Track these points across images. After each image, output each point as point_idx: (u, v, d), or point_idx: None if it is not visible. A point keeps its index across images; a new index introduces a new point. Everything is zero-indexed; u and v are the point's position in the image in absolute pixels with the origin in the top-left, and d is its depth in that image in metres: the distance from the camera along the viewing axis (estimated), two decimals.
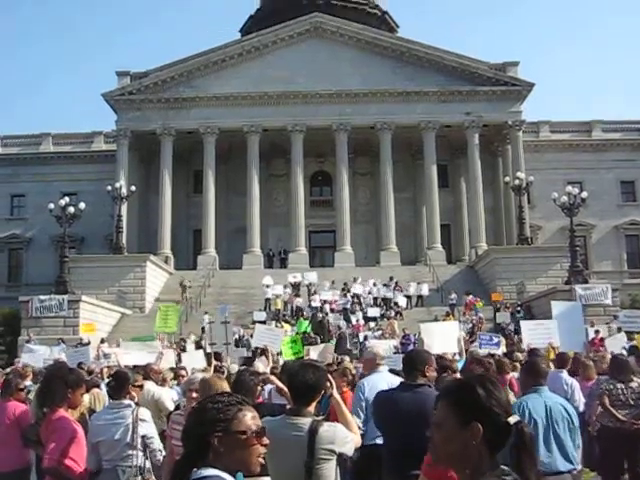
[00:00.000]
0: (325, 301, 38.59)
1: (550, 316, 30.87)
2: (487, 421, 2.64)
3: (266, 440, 3.05)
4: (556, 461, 6.36)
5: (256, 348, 24.99)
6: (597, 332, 27.12)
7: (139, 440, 6.91)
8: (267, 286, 40.64)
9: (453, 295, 39.77)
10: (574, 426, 6.60)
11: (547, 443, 6.29)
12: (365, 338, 32.19)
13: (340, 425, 5.08)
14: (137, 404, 7.33)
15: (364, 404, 7.88)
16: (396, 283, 41.44)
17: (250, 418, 3.03)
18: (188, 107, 52.92)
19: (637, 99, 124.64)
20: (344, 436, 4.95)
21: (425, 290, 41.31)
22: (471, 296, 38.58)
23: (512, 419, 2.69)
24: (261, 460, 3.04)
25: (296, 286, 41.62)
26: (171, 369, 14.57)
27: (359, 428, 6.67)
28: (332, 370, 10.77)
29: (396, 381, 7.95)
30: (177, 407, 8.03)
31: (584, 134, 59.74)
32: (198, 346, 27.99)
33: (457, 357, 13.76)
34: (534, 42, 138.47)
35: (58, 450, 6.49)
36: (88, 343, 30.68)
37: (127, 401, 7.11)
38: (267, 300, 40.05)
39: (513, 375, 11.70)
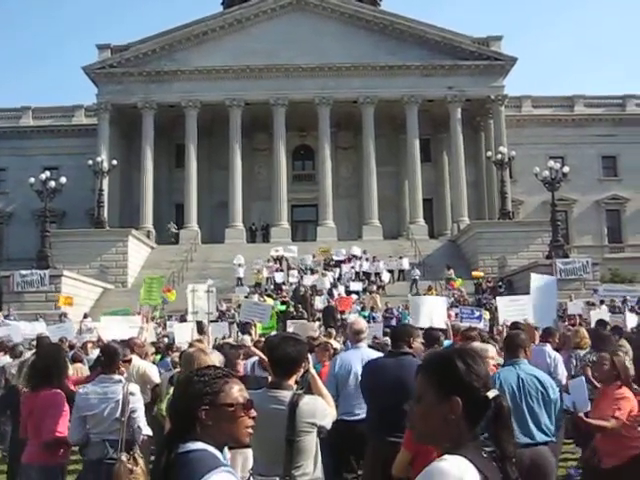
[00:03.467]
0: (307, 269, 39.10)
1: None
2: (466, 395, 2.62)
3: (254, 412, 3.06)
4: (530, 432, 6.40)
5: (241, 322, 25.08)
6: (565, 311, 26.95)
7: (128, 415, 6.95)
8: (239, 265, 40.62)
9: (416, 271, 39.84)
10: (549, 399, 6.60)
11: (518, 415, 6.30)
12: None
13: (320, 398, 5.12)
14: (126, 379, 7.36)
15: (333, 380, 7.89)
16: (365, 258, 41.56)
17: (237, 390, 3.04)
18: (170, 80, 52.52)
19: (619, 74, 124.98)
20: (324, 409, 4.99)
21: (405, 264, 41.37)
22: (452, 279, 38.42)
23: (491, 393, 2.69)
24: (249, 431, 3.05)
25: (278, 260, 41.66)
26: (152, 344, 14.58)
27: None
28: (315, 345, 10.79)
29: (373, 356, 7.97)
30: None
31: (566, 109, 59.83)
32: (182, 319, 28.04)
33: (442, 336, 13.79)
34: (517, 16, 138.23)
35: (55, 424, 6.86)
36: (63, 315, 30.83)
37: (117, 376, 7.12)
38: (239, 279, 40.02)
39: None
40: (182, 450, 2.87)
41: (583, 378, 7.47)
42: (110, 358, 7.26)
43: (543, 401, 6.58)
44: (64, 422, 6.95)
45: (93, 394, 7.06)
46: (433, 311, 15.48)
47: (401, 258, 41.82)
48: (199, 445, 2.89)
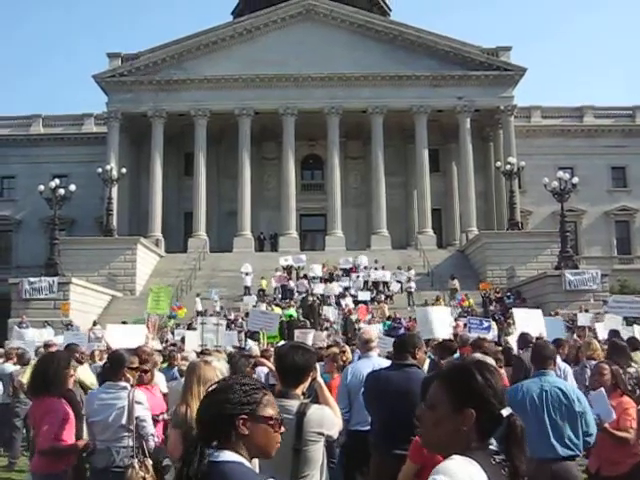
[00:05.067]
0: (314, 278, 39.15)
1: (539, 301, 30.98)
2: (481, 409, 2.63)
3: (283, 429, 3.02)
4: (553, 446, 6.22)
5: (248, 331, 25.11)
6: (574, 322, 26.82)
7: (134, 422, 6.92)
8: (246, 274, 40.61)
9: (412, 284, 39.85)
10: (575, 412, 6.38)
11: (540, 428, 6.16)
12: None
13: (328, 408, 5.07)
14: (132, 386, 7.33)
15: (346, 390, 7.85)
16: (374, 268, 41.50)
17: (273, 405, 3.01)
18: (179, 89, 52.66)
19: (629, 84, 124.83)
20: (332, 419, 4.95)
21: (412, 276, 41.24)
22: (462, 293, 38.30)
23: (505, 411, 2.69)
24: (278, 447, 3.00)
25: (288, 269, 41.65)
26: (158, 351, 14.55)
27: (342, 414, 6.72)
28: (326, 355, 10.72)
29: (385, 365, 7.86)
30: None
31: (575, 120, 59.73)
32: (189, 327, 28.20)
33: None
34: (526, 27, 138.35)
35: (52, 432, 6.68)
36: (69, 325, 31.01)
37: (123, 383, 7.10)
38: (246, 288, 40.03)
39: None
40: (215, 459, 2.81)
41: (602, 389, 7.42)
42: (116, 365, 7.24)
43: (567, 414, 6.36)
44: (67, 429, 6.82)
45: (98, 400, 7.05)
46: (440, 322, 15.46)
47: (409, 270, 41.65)
48: (234, 456, 2.83)
